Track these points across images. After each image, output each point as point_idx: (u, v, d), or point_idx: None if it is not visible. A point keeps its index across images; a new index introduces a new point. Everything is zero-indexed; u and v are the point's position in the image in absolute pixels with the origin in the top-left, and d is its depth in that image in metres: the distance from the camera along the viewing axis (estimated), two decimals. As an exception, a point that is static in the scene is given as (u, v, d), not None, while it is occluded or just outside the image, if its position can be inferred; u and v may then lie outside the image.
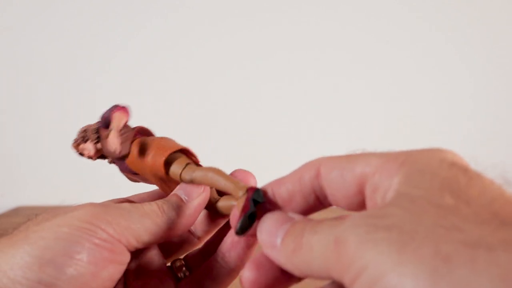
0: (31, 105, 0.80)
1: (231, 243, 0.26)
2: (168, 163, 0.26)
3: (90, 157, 0.30)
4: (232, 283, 0.27)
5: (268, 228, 0.19)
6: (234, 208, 0.22)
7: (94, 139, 0.30)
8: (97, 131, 0.30)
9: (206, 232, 0.29)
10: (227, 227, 0.28)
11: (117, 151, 0.27)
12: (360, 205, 0.19)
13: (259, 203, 0.21)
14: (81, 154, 0.30)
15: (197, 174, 0.26)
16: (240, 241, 0.25)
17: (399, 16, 0.79)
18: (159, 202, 0.24)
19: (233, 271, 0.26)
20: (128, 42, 0.79)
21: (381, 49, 0.79)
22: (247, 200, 0.21)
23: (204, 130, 0.79)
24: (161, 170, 0.26)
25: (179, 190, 0.26)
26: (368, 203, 0.18)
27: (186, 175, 0.26)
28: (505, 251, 0.13)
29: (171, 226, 0.24)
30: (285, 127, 0.80)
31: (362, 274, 0.14)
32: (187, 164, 0.26)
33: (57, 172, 0.80)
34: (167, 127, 0.79)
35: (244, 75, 0.79)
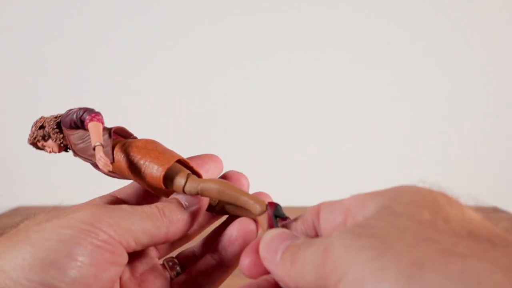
0: (31, 105, 0.80)
1: (228, 240, 0.26)
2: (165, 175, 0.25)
3: (52, 152, 0.30)
4: (224, 283, 0.27)
5: (269, 244, 0.20)
6: (244, 218, 0.24)
7: (57, 138, 0.30)
8: (57, 126, 0.30)
9: (197, 230, 0.29)
10: (223, 226, 0.28)
11: (109, 168, 0.26)
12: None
13: (281, 218, 0.23)
14: (41, 149, 0.30)
15: (204, 187, 0.25)
16: (238, 239, 0.26)
17: (399, 16, 0.79)
18: (160, 205, 0.25)
19: (228, 268, 0.26)
20: (128, 42, 0.79)
21: (381, 49, 0.79)
22: (270, 218, 0.22)
23: (204, 130, 0.79)
24: (160, 184, 0.25)
25: (180, 195, 0.26)
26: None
27: (191, 188, 0.25)
28: (477, 260, 0.13)
29: (170, 229, 0.24)
30: (285, 127, 0.80)
31: (344, 277, 0.15)
32: (188, 175, 0.26)
33: (57, 172, 0.80)
34: (167, 127, 0.80)
35: (244, 75, 0.79)
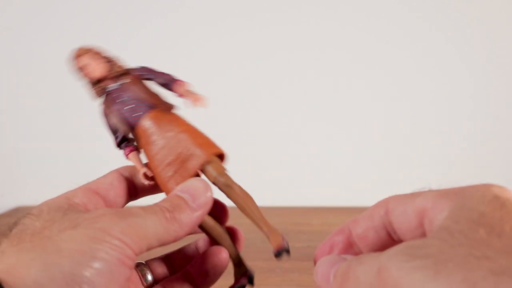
0: (31, 105, 0.80)
1: (204, 272, 0.28)
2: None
3: (86, 76, 0.30)
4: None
5: (322, 271, 0.21)
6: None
7: (113, 70, 0.30)
8: (124, 72, 0.31)
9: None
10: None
11: (142, 176, 0.29)
12: (421, 236, 0.21)
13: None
14: (80, 68, 0.30)
15: (236, 188, 0.27)
16: (214, 273, 0.28)
17: (399, 17, 0.79)
18: (169, 206, 0.24)
19: (225, 265, 0.28)
20: (128, 42, 0.79)
21: (381, 49, 0.79)
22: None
23: (204, 130, 0.79)
24: (197, 165, 0.27)
25: (185, 194, 0.26)
26: (428, 234, 0.20)
27: (225, 179, 0.27)
28: None
29: (179, 233, 0.24)
30: (285, 127, 0.80)
31: None
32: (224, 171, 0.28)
33: (57, 172, 0.80)
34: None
35: (244, 75, 0.79)
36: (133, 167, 0.30)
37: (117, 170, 0.30)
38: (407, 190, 0.79)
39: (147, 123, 0.29)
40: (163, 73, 0.32)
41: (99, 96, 0.31)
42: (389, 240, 0.23)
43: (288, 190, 0.79)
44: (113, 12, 0.78)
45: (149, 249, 0.23)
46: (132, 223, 0.22)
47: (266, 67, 0.79)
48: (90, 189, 0.27)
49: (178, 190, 0.26)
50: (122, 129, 0.30)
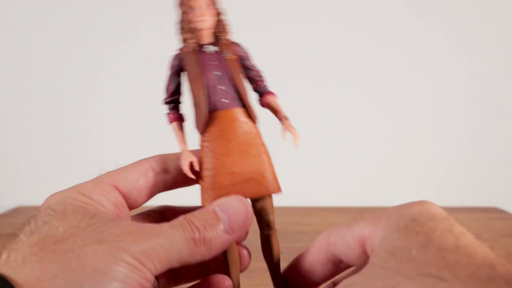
0: (31, 105, 0.80)
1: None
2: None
3: (188, 19, 0.27)
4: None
5: None
6: None
7: (219, 31, 0.28)
8: (228, 42, 0.28)
9: None
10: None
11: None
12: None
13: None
14: (188, 6, 0.27)
15: (275, 233, 0.28)
16: None
17: (399, 17, 0.79)
18: (200, 224, 0.23)
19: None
20: (128, 43, 0.79)
21: (381, 49, 0.79)
22: None
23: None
24: (262, 193, 0.27)
25: (223, 214, 0.24)
26: (374, 251, 0.22)
27: (272, 220, 0.28)
28: None
29: (204, 257, 0.23)
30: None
31: None
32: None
33: (57, 172, 0.80)
34: (167, 127, 0.79)
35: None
36: (167, 161, 0.28)
37: (147, 163, 0.28)
38: (407, 190, 0.80)
39: (230, 117, 0.27)
40: (258, 71, 0.30)
41: (186, 47, 0.28)
42: (336, 270, 0.25)
43: (288, 190, 0.79)
44: (113, 12, 0.78)
45: (168, 269, 0.22)
46: (156, 246, 0.21)
47: (266, 67, 0.78)
48: (111, 184, 0.26)
49: (217, 205, 0.24)
50: (200, 102, 0.27)
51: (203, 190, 0.27)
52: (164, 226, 0.22)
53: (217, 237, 0.23)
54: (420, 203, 0.22)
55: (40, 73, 0.79)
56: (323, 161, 0.81)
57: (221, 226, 0.23)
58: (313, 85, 0.79)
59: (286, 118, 0.29)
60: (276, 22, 0.78)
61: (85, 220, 0.22)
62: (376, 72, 0.80)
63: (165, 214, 0.30)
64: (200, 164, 0.27)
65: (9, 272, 0.19)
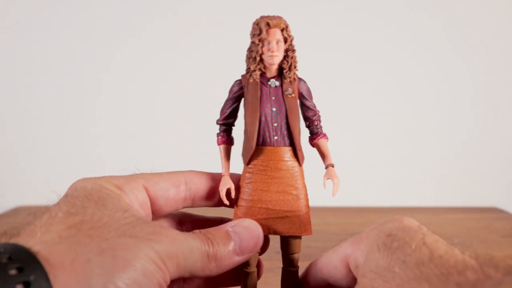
0: (31, 105, 0.80)
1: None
2: None
3: (261, 51, 0.28)
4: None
5: None
6: None
7: (287, 66, 0.28)
8: (293, 78, 0.29)
9: None
10: None
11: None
12: (354, 279, 0.24)
13: None
14: (263, 39, 0.28)
15: (296, 271, 0.29)
16: None
17: (400, 17, 0.79)
18: (215, 242, 0.24)
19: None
20: (129, 43, 0.79)
21: (381, 49, 0.79)
22: None
23: (204, 131, 0.79)
24: (293, 233, 0.28)
25: (236, 236, 0.25)
26: (359, 271, 0.23)
27: (296, 259, 0.29)
28: None
29: (212, 272, 0.24)
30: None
31: None
32: None
33: (57, 172, 0.80)
34: (167, 127, 0.80)
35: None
36: (201, 179, 0.28)
37: (182, 176, 0.28)
38: (407, 190, 0.80)
39: (277, 154, 0.28)
40: (316, 111, 0.31)
41: (250, 77, 0.29)
42: None
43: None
44: (113, 12, 0.78)
45: (179, 277, 0.23)
46: (179, 252, 0.22)
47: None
48: (142, 184, 0.27)
49: (230, 226, 0.26)
50: (251, 135, 0.28)
51: (236, 218, 0.28)
52: (186, 235, 0.23)
53: (226, 256, 0.24)
54: (394, 219, 0.24)
55: (40, 73, 0.79)
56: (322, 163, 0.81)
57: (231, 246, 0.25)
58: (313, 85, 0.79)
59: (332, 166, 0.30)
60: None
61: (119, 213, 0.22)
62: (376, 72, 0.80)
63: (184, 220, 0.31)
64: (238, 192, 0.28)
65: (44, 250, 0.19)
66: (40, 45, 0.79)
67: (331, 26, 0.79)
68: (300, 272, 0.29)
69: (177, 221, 0.30)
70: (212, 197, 0.29)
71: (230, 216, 0.30)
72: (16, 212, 0.76)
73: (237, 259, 0.25)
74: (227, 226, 0.26)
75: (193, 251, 0.23)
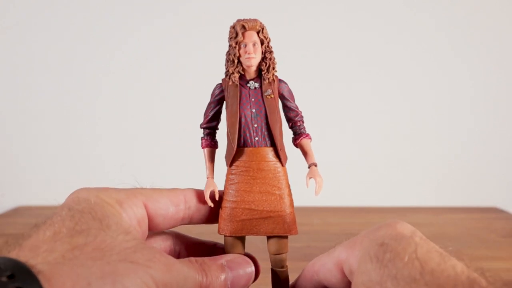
0: (31, 105, 0.80)
1: None
2: None
3: (239, 54, 0.28)
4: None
5: None
6: None
7: (265, 68, 0.29)
8: (272, 78, 0.29)
9: None
10: None
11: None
12: (349, 283, 0.24)
13: None
14: (240, 42, 0.28)
15: (286, 271, 0.29)
16: None
17: (400, 17, 0.79)
18: (210, 276, 0.25)
19: None
20: (129, 43, 0.79)
21: (380, 50, 0.79)
22: None
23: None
24: (278, 233, 0.29)
25: (230, 272, 0.26)
26: (353, 281, 0.23)
27: (284, 258, 0.29)
28: None
29: None
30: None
31: None
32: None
33: (57, 172, 0.80)
34: (167, 128, 0.80)
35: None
36: (202, 197, 0.29)
37: (182, 194, 0.29)
38: (407, 190, 0.80)
39: (258, 155, 0.28)
40: (298, 112, 0.31)
41: (230, 79, 0.29)
42: None
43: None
44: (113, 12, 0.78)
45: None
46: (174, 281, 0.23)
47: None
48: (142, 201, 0.27)
49: (225, 260, 0.26)
50: (232, 137, 0.28)
51: (220, 219, 0.29)
52: (183, 263, 0.24)
53: None
54: (387, 224, 0.24)
55: (40, 73, 0.79)
56: (323, 161, 0.81)
57: (223, 278, 0.25)
58: (313, 85, 0.79)
59: (315, 165, 0.30)
60: (276, 22, 0.78)
61: (122, 235, 0.23)
62: (376, 72, 0.80)
63: (178, 240, 0.31)
64: (222, 194, 0.29)
65: (47, 271, 0.19)
66: (40, 45, 0.79)
67: (331, 26, 0.79)
68: (296, 274, 0.29)
69: (171, 242, 0.31)
70: (210, 215, 0.29)
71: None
72: (16, 212, 0.76)
73: None
74: (222, 259, 0.26)
75: (188, 281, 0.23)
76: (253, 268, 0.27)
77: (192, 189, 0.29)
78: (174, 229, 0.31)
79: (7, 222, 0.68)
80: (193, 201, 0.29)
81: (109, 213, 0.24)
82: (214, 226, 0.30)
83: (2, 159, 0.81)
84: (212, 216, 0.29)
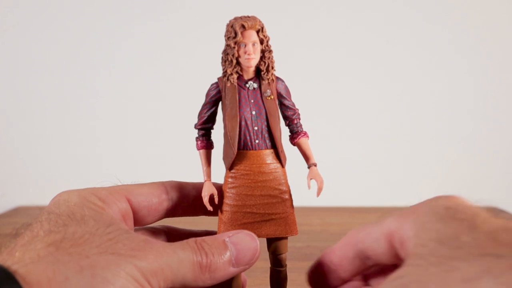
0: (31, 105, 0.80)
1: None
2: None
3: (237, 54, 0.28)
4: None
5: None
6: None
7: (264, 68, 0.28)
8: (271, 78, 0.29)
9: None
10: None
11: None
12: (395, 256, 0.23)
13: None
14: (239, 42, 0.28)
15: (285, 271, 0.29)
16: None
17: (400, 17, 0.79)
18: (209, 251, 0.24)
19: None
20: (129, 43, 0.79)
21: (380, 49, 0.79)
22: None
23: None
24: (279, 235, 0.29)
25: (233, 247, 0.25)
26: (401, 253, 0.22)
27: (284, 258, 0.29)
28: (484, 281, 0.16)
29: (206, 284, 0.24)
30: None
31: None
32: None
33: (57, 172, 0.80)
34: (167, 128, 0.80)
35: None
36: (182, 189, 0.28)
37: (163, 186, 0.28)
38: (407, 190, 0.80)
39: (259, 158, 0.28)
40: (295, 110, 0.31)
41: (227, 80, 0.28)
42: (363, 265, 0.25)
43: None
44: (113, 12, 0.78)
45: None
46: (165, 266, 0.22)
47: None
48: (124, 196, 0.27)
49: (227, 236, 0.25)
50: (232, 139, 0.28)
51: (221, 223, 0.28)
52: (175, 246, 0.23)
53: (222, 267, 0.24)
54: (446, 196, 0.23)
55: (40, 74, 0.79)
56: (323, 161, 0.81)
57: (227, 256, 0.24)
58: (312, 85, 0.79)
59: (315, 165, 0.30)
60: (275, 22, 0.78)
61: (102, 228, 0.22)
62: (376, 72, 0.80)
63: (170, 234, 0.31)
64: (222, 197, 0.28)
65: (22, 269, 0.19)
66: (40, 45, 0.79)
67: (331, 26, 0.79)
68: (296, 274, 0.29)
69: (164, 237, 0.30)
70: (194, 206, 0.29)
71: (213, 227, 0.30)
72: (16, 212, 0.76)
73: (232, 271, 0.25)
74: (224, 236, 0.25)
75: (183, 263, 0.23)
76: (257, 242, 0.26)
77: (173, 180, 0.29)
78: (164, 224, 0.31)
79: (7, 222, 0.68)
80: (174, 192, 0.28)
81: (88, 211, 0.23)
82: (203, 219, 0.30)
83: (2, 159, 0.81)
84: (196, 208, 0.29)
